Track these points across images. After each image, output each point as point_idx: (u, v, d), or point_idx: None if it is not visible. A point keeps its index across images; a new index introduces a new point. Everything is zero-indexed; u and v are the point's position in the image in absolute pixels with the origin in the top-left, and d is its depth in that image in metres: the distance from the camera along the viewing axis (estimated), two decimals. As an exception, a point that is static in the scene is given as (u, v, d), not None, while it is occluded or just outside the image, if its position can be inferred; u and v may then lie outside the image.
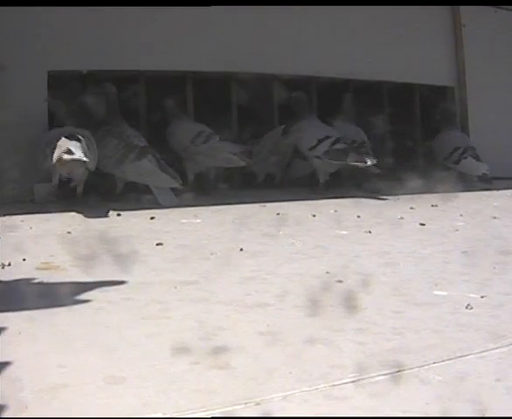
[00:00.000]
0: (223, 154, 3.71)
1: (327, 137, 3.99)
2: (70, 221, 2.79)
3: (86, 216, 2.92)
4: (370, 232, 2.57)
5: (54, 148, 3.10)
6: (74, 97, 3.60)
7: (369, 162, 3.84)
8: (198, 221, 2.92)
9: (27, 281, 1.81)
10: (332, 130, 4.14)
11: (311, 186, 4.08)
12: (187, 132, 3.85)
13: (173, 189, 3.40)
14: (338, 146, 3.95)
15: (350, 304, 1.58)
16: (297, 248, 2.33)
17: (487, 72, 5.11)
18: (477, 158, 4.61)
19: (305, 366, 1.21)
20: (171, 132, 3.91)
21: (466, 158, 4.62)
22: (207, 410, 1.03)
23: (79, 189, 3.28)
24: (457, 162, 4.63)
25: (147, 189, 3.47)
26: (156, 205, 3.23)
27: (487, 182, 4.50)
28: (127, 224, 2.80)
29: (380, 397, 1.09)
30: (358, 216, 2.95)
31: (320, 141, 3.98)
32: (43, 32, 3.62)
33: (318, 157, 3.99)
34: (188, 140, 3.78)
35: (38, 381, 1.13)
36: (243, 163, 3.72)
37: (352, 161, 3.87)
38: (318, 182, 4.04)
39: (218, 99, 4.19)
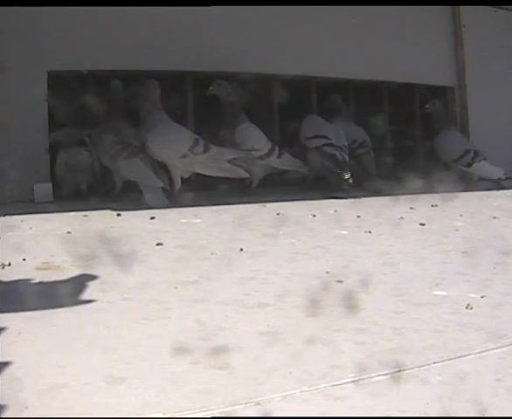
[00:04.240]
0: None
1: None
2: (70, 221, 2.79)
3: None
4: (370, 232, 2.57)
5: None
6: (75, 96, 3.61)
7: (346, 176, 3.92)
8: (198, 221, 2.92)
9: (27, 281, 1.81)
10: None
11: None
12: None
13: (164, 192, 3.43)
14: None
15: (350, 304, 1.58)
16: (297, 248, 2.33)
17: (487, 72, 5.11)
18: (492, 164, 4.65)
19: (305, 366, 1.21)
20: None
21: (479, 161, 4.64)
22: (207, 410, 1.03)
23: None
24: (469, 165, 4.64)
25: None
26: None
27: (499, 185, 4.53)
28: (127, 224, 2.80)
29: (380, 397, 1.09)
30: (358, 216, 2.95)
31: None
32: (43, 32, 3.62)
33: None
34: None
35: (38, 381, 1.13)
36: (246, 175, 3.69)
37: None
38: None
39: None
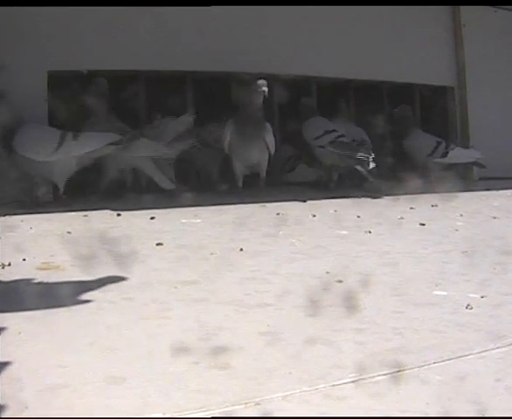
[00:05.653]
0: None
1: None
2: (70, 221, 2.79)
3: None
4: (370, 232, 2.57)
5: None
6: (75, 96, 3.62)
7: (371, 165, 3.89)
8: (198, 221, 2.92)
9: (27, 281, 1.81)
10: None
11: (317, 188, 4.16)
12: None
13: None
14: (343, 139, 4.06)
15: (350, 304, 1.58)
16: (297, 248, 2.33)
17: (487, 72, 5.11)
18: (465, 147, 4.66)
19: (305, 366, 1.21)
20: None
21: (453, 149, 4.65)
22: (207, 410, 1.03)
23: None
24: (444, 155, 4.63)
25: (147, 189, 3.50)
26: (156, 205, 3.23)
27: (481, 165, 4.60)
28: (127, 224, 2.80)
29: (380, 397, 1.09)
30: (358, 216, 2.95)
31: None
32: (43, 32, 3.62)
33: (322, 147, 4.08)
34: None
35: (38, 381, 1.13)
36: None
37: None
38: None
39: (219, 98, 4.18)
